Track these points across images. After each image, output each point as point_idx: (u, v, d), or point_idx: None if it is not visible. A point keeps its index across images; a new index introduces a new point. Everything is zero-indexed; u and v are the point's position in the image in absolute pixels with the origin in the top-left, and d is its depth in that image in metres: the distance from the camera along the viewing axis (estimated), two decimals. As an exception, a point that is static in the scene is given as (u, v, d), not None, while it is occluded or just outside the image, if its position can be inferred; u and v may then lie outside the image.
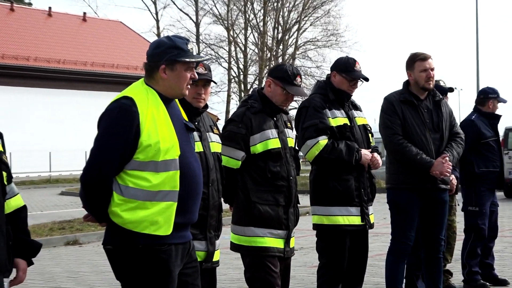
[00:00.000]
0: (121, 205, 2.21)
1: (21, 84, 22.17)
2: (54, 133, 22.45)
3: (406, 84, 3.94)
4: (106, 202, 2.22)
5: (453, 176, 4.17)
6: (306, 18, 30.07)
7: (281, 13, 29.83)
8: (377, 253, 6.03)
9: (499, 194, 6.35)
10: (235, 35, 29.59)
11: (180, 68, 2.29)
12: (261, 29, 29.28)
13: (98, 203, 2.24)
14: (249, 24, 29.50)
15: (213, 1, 29.46)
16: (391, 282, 3.88)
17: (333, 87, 3.60)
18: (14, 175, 2.55)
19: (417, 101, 3.88)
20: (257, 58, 29.49)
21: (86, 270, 5.96)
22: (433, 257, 3.94)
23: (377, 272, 5.25)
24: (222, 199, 2.99)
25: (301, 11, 29.61)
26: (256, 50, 29.76)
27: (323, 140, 3.47)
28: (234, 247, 3.23)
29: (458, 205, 4.82)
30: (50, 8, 26.44)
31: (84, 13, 27.91)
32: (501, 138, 5.02)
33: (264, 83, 3.49)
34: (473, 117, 4.85)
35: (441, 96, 3.98)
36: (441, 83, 4.55)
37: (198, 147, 2.79)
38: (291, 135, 3.33)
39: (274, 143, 3.19)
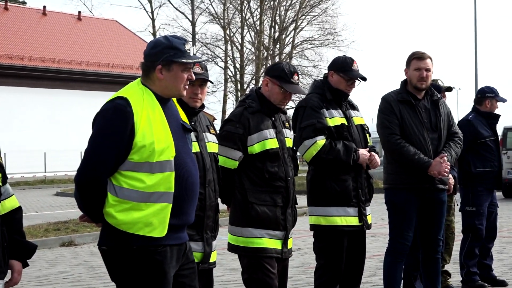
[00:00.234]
0: (116, 206, 2.20)
1: (15, 84, 22.06)
2: (49, 133, 22.36)
3: (404, 83, 3.93)
4: (101, 202, 2.22)
5: (450, 176, 4.15)
6: (303, 17, 30.10)
7: (277, 12, 29.84)
8: (375, 254, 6.02)
9: (498, 194, 6.33)
10: (232, 34, 29.58)
11: (176, 69, 2.28)
12: (258, 28, 29.26)
13: (92, 204, 2.23)
14: (245, 23, 29.48)
15: (209, 0, 29.47)
16: (389, 283, 3.87)
17: (331, 86, 3.59)
18: (8, 176, 2.52)
19: (414, 100, 3.87)
20: (254, 57, 29.50)
21: (81, 272, 5.93)
22: (431, 258, 3.93)
23: (375, 273, 5.24)
24: (219, 200, 2.97)
25: (298, 10, 29.62)
26: (253, 49, 29.79)
27: (320, 140, 3.45)
28: (232, 248, 3.21)
29: (457, 205, 4.81)
30: (44, 7, 26.34)
31: (79, 12, 27.81)
32: (500, 138, 4.99)
33: (261, 82, 3.47)
34: (470, 116, 4.84)
35: (439, 96, 3.97)
36: (440, 82, 4.54)
37: (195, 147, 2.77)
38: (289, 135, 3.32)
39: (272, 143, 3.17)
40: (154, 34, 30.01)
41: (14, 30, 23.97)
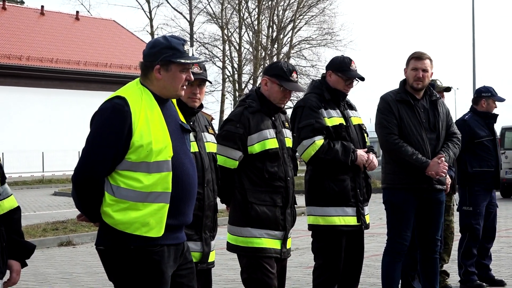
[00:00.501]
0: (113, 206, 2.20)
1: (13, 84, 22.02)
2: (47, 133, 22.32)
3: (403, 83, 3.93)
4: (98, 202, 2.22)
5: (447, 176, 4.16)
6: (301, 17, 30.08)
7: (275, 12, 29.82)
8: (373, 254, 6.02)
9: (496, 194, 6.31)
10: (230, 34, 29.56)
11: (175, 69, 2.28)
12: (256, 27, 29.25)
13: (90, 203, 2.23)
14: (243, 23, 29.47)
15: (207, 0, 29.45)
16: (387, 283, 3.87)
17: (329, 86, 3.59)
18: (6, 175, 2.52)
19: (413, 100, 3.87)
20: (252, 57, 29.47)
21: (79, 271, 5.92)
22: (429, 258, 3.93)
23: (373, 273, 5.24)
24: (217, 200, 2.97)
25: (296, 9, 29.60)
26: (251, 49, 29.76)
27: (319, 140, 3.45)
28: (231, 247, 3.21)
29: (456, 205, 4.81)
30: (42, 6, 26.29)
31: (77, 12, 27.77)
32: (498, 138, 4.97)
33: (259, 82, 3.47)
34: (466, 117, 4.84)
35: (438, 96, 3.97)
36: (438, 83, 4.54)
37: (193, 147, 2.77)
38: (289, 135, 3.32)
39: (272, 143, 3.17)
40: (152, 34, 29.98)
41: (12, 29, 23.93)
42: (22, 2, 34.16)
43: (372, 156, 3.55)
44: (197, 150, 2.80)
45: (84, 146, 2.26)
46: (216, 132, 3.07)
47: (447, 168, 3.81)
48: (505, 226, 8.12)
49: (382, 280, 3.91)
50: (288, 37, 30.15)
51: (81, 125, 20.14)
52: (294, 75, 3.23)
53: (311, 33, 31.10)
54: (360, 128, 3.64)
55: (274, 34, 29.93)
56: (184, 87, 2.32)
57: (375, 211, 8.69)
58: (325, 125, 3.48)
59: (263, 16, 29.66)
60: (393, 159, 3.86)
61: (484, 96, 4.81)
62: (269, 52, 29.40)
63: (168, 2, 41.29)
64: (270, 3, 29.75)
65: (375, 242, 6.87)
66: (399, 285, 4.04)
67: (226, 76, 29.74)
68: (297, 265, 5.81)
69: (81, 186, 2.22)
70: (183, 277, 2.32)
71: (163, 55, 2.26)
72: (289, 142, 3.29)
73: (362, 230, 3.58)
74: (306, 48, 30.20)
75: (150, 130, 2.23)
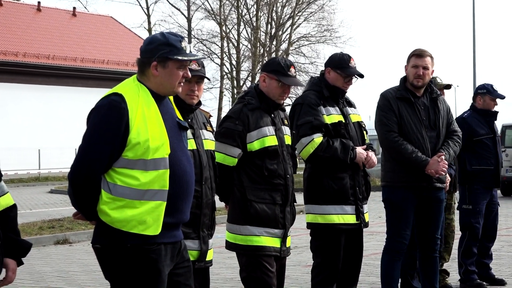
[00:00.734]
0: (109, 203, 2.19)
1: (9, 80, 21.93)
2: (44, 130, 22.25)
3: (403, 80, 3.90)
4: (95, 199, 2.20)
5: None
6: (299, 13, 29.98)
7: (274, 8, 29.74)
8: (372, 252, 6.00)
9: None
10: (228, 31, 29.49)
11: (172, 66, 2.26)
12: (254, 24, 29.17)
13: (86, 201, 2.22)
14: (242, 19, 29.39)
15: (205, -4, 29.35)
16: (387, 282, 3.85)
17: (328, 83, 3.56)
18: (2, 173, 2.48)
19: (413, 98, 3.84)
20: (250, 54, 29.41)
21: (76, 270, 5.89)
22: (428, 257, 3.91)
23: (372, 272, 5.21)
24: (215, 197, 2.94)
25: (295, 6, 29.51)
26: (249, 46, 29.68)
27: (318, 138, 3.43)
28: (230, 246, 3.18)
29: (457, 203, 4.78)
30: (39, 2, 26.17)
31: (74, 8, 27.67)
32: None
33: (257, 79, 3.44)
34: (465, 114, 4.81)
35: (438, 93, 3.94)
36: (438, 80, 4.51)
37: (191, 144, 2.75)
38: (288, 133, 3.29)
39: (271, 141, 3.14)
40: (149, 30, 29.89)
41: (8, 26, 23.82)
42: (19, -2, 34.02)
43: (371, 153, 3.52)
44: (195, 147, 2.78)
45: (80, 143, 2.24)
46: (214, 129, 3.04)
47: (447, 166, 3.79)
48: (506, 224, 8.09)
49: (382, 279, 3.89)
50: (287, 34, 30.09)
51: (78, 122, 20.01)
52: (292, 69, 3.20)
53: (310, 29, 31.02)
54: (359, 125, 3.62)
55: (273, 30, 29.86)
56: (182, 84, 2.31)
57: (374, 209, 8.67)
58: (324, 122, 3.46)
59: (262, 13, 29.59)
60: (392, 157, 3.83)
61: (480, 93, 4.79)
62: (267, 49, 29.34)
63: (165, -2, 41.09)
64: (268, -1, 29.69)
65: (374, 241, 6.85)
66: (399, 284, 4.01)
67: (224, 73, 29.69)
68: (296, 263, 5.78)
69: (77, 184, 2.20)
70: (180, 276, 2.31)
71: (160, 52, 2.25)
72: (288, 140, 3.26)
73: (361, 228, 3.56)
74: (305, 45, 30.15)
75: (147, 127, 2.21)
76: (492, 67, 66.92)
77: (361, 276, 3.74)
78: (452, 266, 4.97)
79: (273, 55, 28.86)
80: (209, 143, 2.89)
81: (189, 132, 2.70)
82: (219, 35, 29.27)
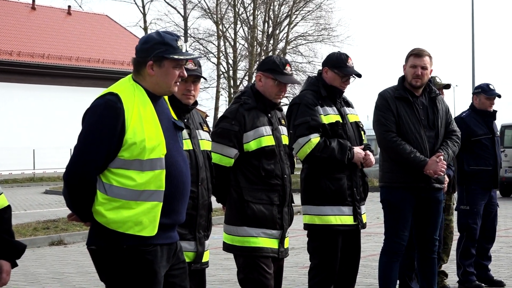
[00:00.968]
0: (105, 204, 2.17)
1: (3, 80, 21.82)
2: (38, 130, 22.16)
3: (402, 80, 3.88)
4: (90, 200, 2.19)
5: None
6: (297, 12, 29.92)
7: (271, 7, 29.68)
8: (370, 254, 5.98)
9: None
10: (224, 30, 29.41)
11: (168, 65, 2.25)
12: (251, 23, 29.11)
13: (81, 202, 2.20)
14: (238, 18, 29.32)
15: (202, -6, 29.28)
16: (384, 283, 3.83)
17: (325, 83, 3.54)
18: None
19: (412, 97, 3.82)
20: (247, 53, 29.36)
21: (71, 271, 5.85)
22: (427, 258, 3.89)
23: (370, 273, 5.20)
24: (212, 198, 2.91)
25: (292, 4, 29.45)
26: (246, 45, 29.62)
27: (315, 138, 3.41)
28: (227, 247, 3.15)
29: (456, 204, 4.76)
30: (34, 1, 26.05)
31: (69, 7, 27.55)
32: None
33: (253, 78, 3.40)
34: (464, 114, 4.80)
35: (437, 92, 3.92)
36: (437, 80, 4.49)
37: (188, 145, 2.73)
38: (285, 132, 3.27)
39: (268, 141, 3.12)
40: (145, 29, 29.81)
41: (2, 24, 23.70)
42: (13, -3, 33.84)
43: (369, 153, 3.50)
44: (191, 147, 2.75)
45: (76, 143, 2.22)
46: (211, 129, 3.01)
47: (445, 167, 3.77)
48: (505, 225, 8.08)
49: (379, 280, 3.87)
50: (284, 33, 30.05)
51: (73, 122, 19.94)
52: (288, 68, 3.18)
53: (308, 28, 30.99)
54: (357, 125, 3.60)
55: (270, 29, 29.81)
56: (178, 83, 2.29)
57: (372, 210, 8.67)
58: (321, 122, 3.44)
59: (259, 11, 29.53)
60: (390, 157, 3.81)
61: (475, 93, 4.78)
62: (264, 48, 29.28)
63: (161, -3, 40.76)
64: (265, -2, 29.63)
65: (372, 242, 6.83)
66: (397, 286, 3.99)
67: (221, 73, 29.62)
68: (293, 265, 5.76)
69: (73, 185, 2.18)
70: (176, 277, 2.30)
71: (156, 51, 2.23)
72: (285, 139, 3.24)
73: (359, 229, 3.54)
74: (303, 44, 30.10)
75: (143, 127, 2.20)
76: (491, 66, 67.11)
77: (359, 277, 3.72)
78: (450, 267, 4.95)
79: (270, 54, 28.82)
80: (206, 143, 2.86)
81: (185, 132, 2.68)
82: (216, 34, 29.22)
